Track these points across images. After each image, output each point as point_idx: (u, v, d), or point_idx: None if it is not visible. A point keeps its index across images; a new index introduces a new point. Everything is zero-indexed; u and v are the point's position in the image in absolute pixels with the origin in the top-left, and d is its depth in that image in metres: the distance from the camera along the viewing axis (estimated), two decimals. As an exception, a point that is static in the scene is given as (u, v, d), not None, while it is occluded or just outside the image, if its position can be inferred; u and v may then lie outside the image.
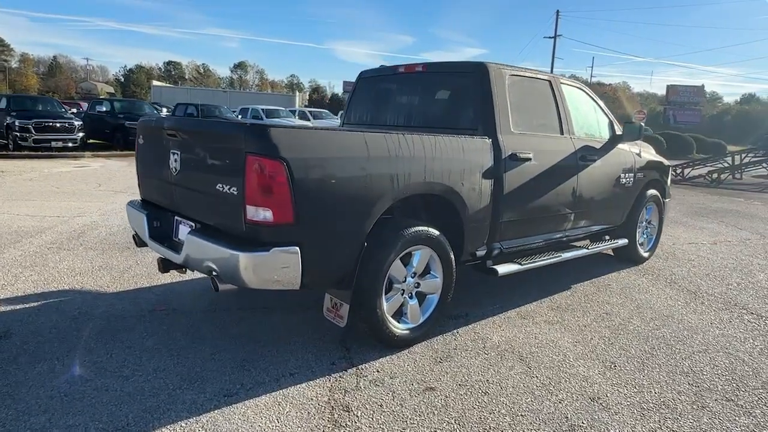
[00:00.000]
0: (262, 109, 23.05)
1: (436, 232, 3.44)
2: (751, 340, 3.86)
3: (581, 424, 2.70)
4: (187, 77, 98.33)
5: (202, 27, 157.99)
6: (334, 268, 3.06)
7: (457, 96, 4.17)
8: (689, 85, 45.44)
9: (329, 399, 2.84)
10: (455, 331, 3.79)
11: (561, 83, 4.65)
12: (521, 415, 2.76)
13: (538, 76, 4.42)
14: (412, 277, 3.46)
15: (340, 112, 11.10)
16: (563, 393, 2.99)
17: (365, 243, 3.12)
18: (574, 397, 2.95)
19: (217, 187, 2.90)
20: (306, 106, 54.02)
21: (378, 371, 3.16)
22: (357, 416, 2.69)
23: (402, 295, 3.42)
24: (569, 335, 3.80)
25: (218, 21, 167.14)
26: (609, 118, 5.18)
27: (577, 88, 4.92)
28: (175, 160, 3.25)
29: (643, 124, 4.91)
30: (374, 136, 3.10)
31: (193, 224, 3.26)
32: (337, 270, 3.08)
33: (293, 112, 25.27)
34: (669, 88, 44.84)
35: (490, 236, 3.94)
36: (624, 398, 2.97)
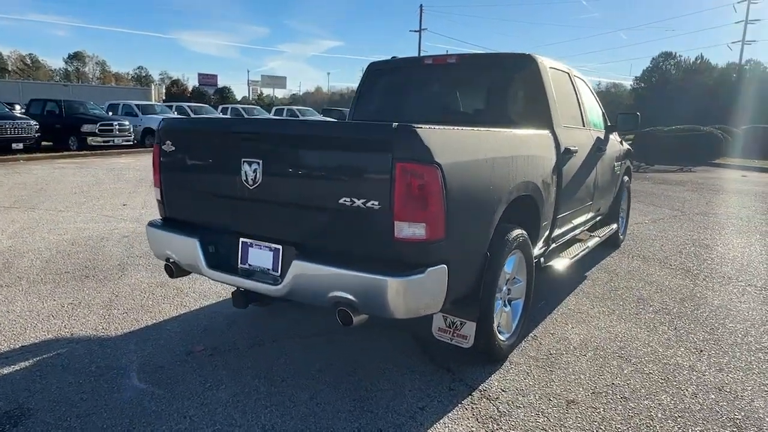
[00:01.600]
0: (136, 105, 20.85)
1: (526, 235, 3.26)
2: (772, 310, 4.23)
3: (746, 417, 2.71)
4: (10, 69, 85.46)
5: (21, 12, 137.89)
6: (465, 284, 2.74)
7: (505, 89, 3.99)
8: None
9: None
10: (533, 334, 3.64)
11: (575, 75, 4.69)
12: (678, 416, 2.69)
13: (561, 68, 4.40)
14: (506, 284, 3.24)
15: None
16: (691, 386, 2.99)
17: (488, 253, 2.84)
18: (704, 390, 2.96)
19: (343, 201, 2.42)
20: (165, 101, 49.95)
21: (503, 390, 2.90)
22: (531, 446, 2.43)
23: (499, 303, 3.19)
24: (634, 326, 3.85)
25: (41, 5, 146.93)
26: (602, 108, 5.35)
27: (581, 79, 5.01)
28: (254, 171, 2.66)
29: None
30: (502, 134, 2.82)
31: (281, 246, 2.72)
32: (467, 285, 2.76)
33: (170, 107, 23.22)
34: None
35: (549, 232, 3.85)
36: (742, 383, 3.04)
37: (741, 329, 3.81)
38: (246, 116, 25.63)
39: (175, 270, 3.08)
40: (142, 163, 14.40)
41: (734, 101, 44.99)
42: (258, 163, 2.65)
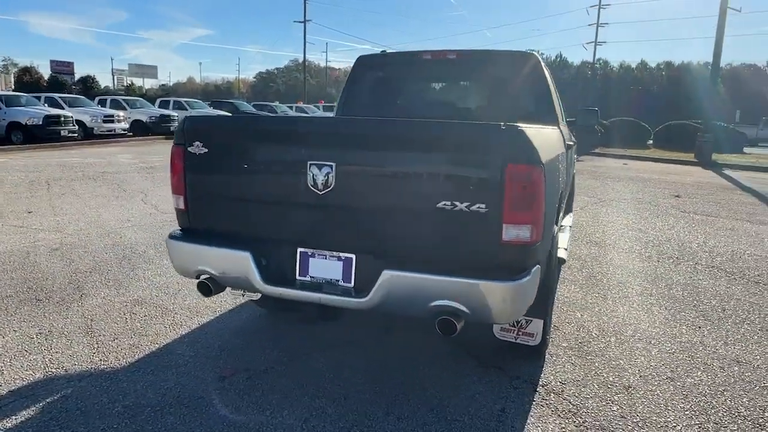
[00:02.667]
0: (4, 96, 18.24)
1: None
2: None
3: None
4: None
5: None
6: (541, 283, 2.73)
7: (512, 86, 4.04)
8: None
9: (575, 427, 2.56)
10: (552, 324, 3.76)
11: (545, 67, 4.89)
12: (723, 389, 2.93)
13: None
14: (544, 278, 3.31)
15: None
16: (715, 361, 3.26)
17: (551, 250, 2.87)
18: (726, 363, 3.25)
19: (442, 205, 2.29)
20: (14, 91, 44.05)
21: (563, 383, 2.96)
22: (623, 436, 2.51)
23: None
24: (632, 309, 4.12)
25: None
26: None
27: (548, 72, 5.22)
28: (325, 174, 2.43)
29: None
30: (556, 132, 2.84)
31: (354, 255, 2.52)
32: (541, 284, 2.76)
33: (38, 98, 20.59)
34: None
35: (557, 224, 3.99)
36: (750, 354, 3.39)
37: (717, 304, 4.25)
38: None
39: (213, 287, 2.73)
40: (22, 162, 12.63)
41: (590, 96, 49.95)
42: (330, 167, 2.42)
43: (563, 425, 2.56)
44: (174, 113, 23.31)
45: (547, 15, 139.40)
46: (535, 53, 3.91)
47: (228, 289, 2.79)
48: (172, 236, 2.84)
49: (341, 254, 2.55)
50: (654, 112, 31.91)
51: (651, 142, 24.72)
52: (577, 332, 3.64)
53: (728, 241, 6.43)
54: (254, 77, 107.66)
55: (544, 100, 3.85)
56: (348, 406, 2.67)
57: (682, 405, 2.76)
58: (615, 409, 2.72)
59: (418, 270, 2.32)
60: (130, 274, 4.60)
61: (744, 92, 47.56)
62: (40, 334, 3.40)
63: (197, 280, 2.80)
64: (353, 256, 2.53)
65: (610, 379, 3.02)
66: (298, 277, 2.63)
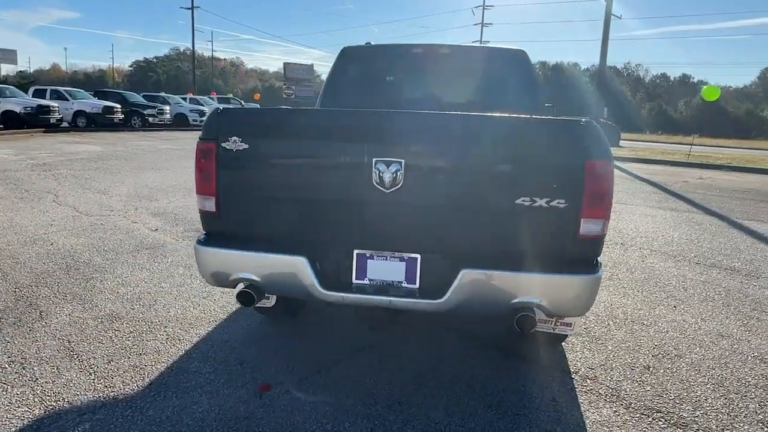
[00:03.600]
0: None
1: None
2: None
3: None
4: None
5: None
6: None
7: (500, 81, 4.10)
8: (301, 64, 46.44)
9: (626, 410, 2.69)
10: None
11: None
12: (726, 362, 3.23)
13: None
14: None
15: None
16: (706, 336, 3.58)
17: None
18: (715, 338, 3.58)
19: (520, 201, 2.27)
20: None
21: (590, 368, 3.09)
22: (689, 412, 2.67)
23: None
24: (618, 296, 4.40)
25: None
26: None
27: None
28: (393, 172, 2.31)
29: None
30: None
31: (419, 255, 2.43)
32: None
33: None
34: (285, 65, 44.46)
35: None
36: (734, 328, 3.76)
37: (679, 285, 4.67)
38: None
39: (256, 296, 2.49)
40: None
41: None
42: (399, 163, 2.30)
43: (616, 409, 2.67)
44: (54, 103, 20.96)
45: (434, 13, 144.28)
46: (525, 51, 4.02)
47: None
48: (201, 243, 2.55)
49: (404, 254, 2.44)
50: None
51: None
52: (584, 320, 3.81)
53: (655, 227, 7.10)
54: (130, 66, 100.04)
55: (535, 96, 3.96)
56: (407, 411, 2.58)
57: (701, 380, 3.00)
58: (649, 389, 2.88)
59: (499, 268, 2.29)
60: (87, 286, 4.07)
61: (608, 91, 52.98)
62: (12, 362, 2.90)
63: (235, 289, 2.56)
64: (418, 256, 2.43)
65: (629, 360, 3.20)
66: (354, 280, 2.48)
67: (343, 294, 2.40)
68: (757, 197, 10.50)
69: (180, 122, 28.09)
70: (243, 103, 37.99)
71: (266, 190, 2.48)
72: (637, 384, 2.93)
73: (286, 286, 2.48)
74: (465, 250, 2.37)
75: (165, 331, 3.35)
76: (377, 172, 2.32)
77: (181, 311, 3.66)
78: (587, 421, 2.57)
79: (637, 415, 2.62)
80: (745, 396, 2.84)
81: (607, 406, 2.70)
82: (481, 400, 2.70)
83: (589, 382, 2.93)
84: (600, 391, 2.84)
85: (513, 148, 2.30)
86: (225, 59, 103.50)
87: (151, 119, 25.77)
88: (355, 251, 2.47)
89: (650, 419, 2.59)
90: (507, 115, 2.36)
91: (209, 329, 3.42)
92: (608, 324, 3.74)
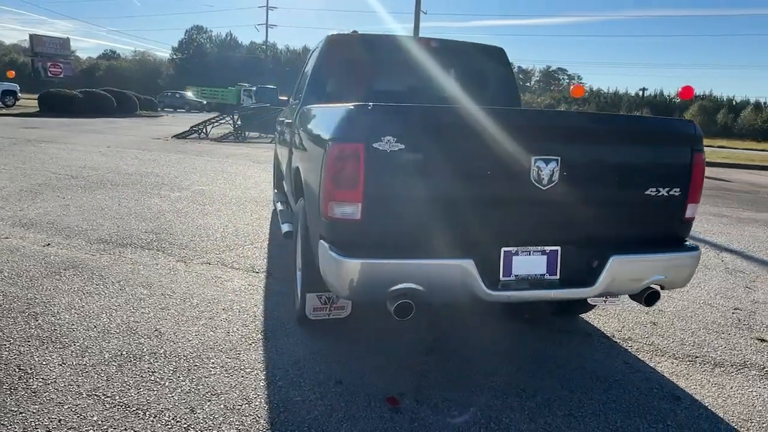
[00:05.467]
0: None
1: None
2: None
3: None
4: None
5: None
6: None
7: (483, 77, 4.33)
8: (55, 37, 40.60)
9: (676, 359, 3.23)
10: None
11: None
12: (717, 329, 4.03)
13: None
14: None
15: None
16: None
17: None
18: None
19: (649, 192, 2.57)
20: None
21: (618, 331, 3.59)
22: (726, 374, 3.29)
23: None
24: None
25: None
26: None
27: None
28: (551, 169, 2.40)
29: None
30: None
31: (559, 248, 2.56)
32: None
33: None
34: (33, 38, 38.58)
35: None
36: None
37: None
38: None
39: (415, 307, 2.34)
40: None
41: (266, 77, 51.97)
42: (556, 161, 2.40)
43: (671, 361, 3.19)
44: None
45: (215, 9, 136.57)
46: (503, 48, 4.31)
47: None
48: (343, 255, 2.28)
49: (546, 248, 2.55)
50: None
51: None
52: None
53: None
54: None
55: (514, 91, 4.31)
56: (534, 400, 2.71)
57: (693, 327, 3.73)
58: (677, 341, 3.48)
59: (637, 252, 2.56)
60: (46, 326, 3.19)
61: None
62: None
63: (387, 302, 2.36)
64: (558, 249, 2.56)
65: (640, 319, 3.79)
66: (501, 278, 2.51)
67: (510, 293, 2.42)
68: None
69: None
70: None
71: (421, 192, 2.33)
72: (664, 339, 3.50)
73: (451, 292, 2.38)
74: (609, 239, 2.58)
75: (218, 361, 2.86)
76: (536, 170, 2.38)
77: (197, 340, 3.14)
78: (665, 372, 3.02)
79: (685, 362, 3.17)
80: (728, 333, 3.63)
81: (662, 359, 3.20)
82: (583, 375, 2.96)
83: (630, 342, 3.41)
84: (645, 347, 3.34)
85: (645, 144, 2.58)
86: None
87: None
88: (503, 249, 2.49)
89: (693, 363, 3.17)
90: (641, 115, 2.61)
91: (260, 352, 3.02)
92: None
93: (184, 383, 2.65)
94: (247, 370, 2.81)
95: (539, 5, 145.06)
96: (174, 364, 2.84)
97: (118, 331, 3.16)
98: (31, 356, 2.82)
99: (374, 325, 3.40)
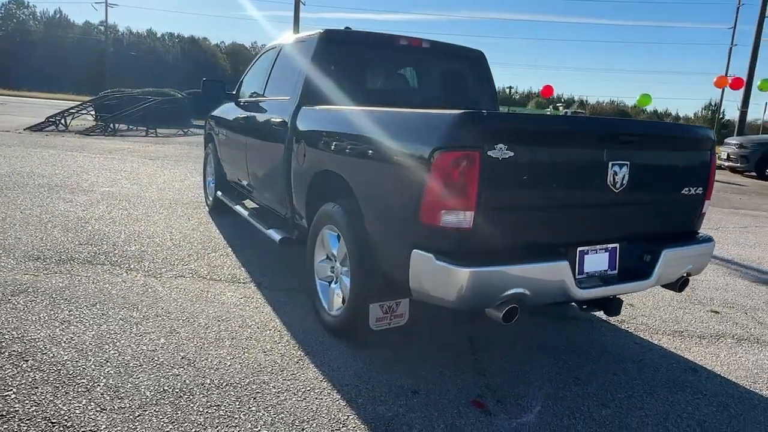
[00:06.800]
0: None
1: None
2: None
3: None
4: None
5: None
6: None
7: (465, 79, 4.44)
8: None
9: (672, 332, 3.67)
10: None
11: None
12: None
13: None
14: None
15: None
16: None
17: None
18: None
19: (684, 191, 2.89)
20: None
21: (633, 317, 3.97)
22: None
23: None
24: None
25: None
26: None
27: None
28: (623, 174, 2.60)
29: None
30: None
31: (617, 245, 2.79)
32: None
33: None
34: None
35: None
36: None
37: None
38: None
39: (520, 311, 2.40)
40: None
41: (106, 62, 47.42)
42: (626, 165, 2.61)
43: (667, 338, 3.61)
44: None
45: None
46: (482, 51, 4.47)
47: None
48: (460, 263, 2.26)
49: (608, 246, 2.76)
50: (171, 82, 29.52)
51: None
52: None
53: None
54: None
55: (494, 94, 4.50)
56: (592, 386, 2.92)
57: (662, 306, 4.25)
58: (659, 320, 3.94)
59: (680, 245, 2.88)
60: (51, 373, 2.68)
61: (237, 66, 55.54)
62: None
63: (492, 309, 2.39)
64: (617, 246, 2.78)
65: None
66: (576, 276, 2.66)
67: (594, 290, 2.57)
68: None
69: None
70: None
71: (525, 198, 2.39)
72: (678, 312, 3.94)
73: (551, 293, 2.47)
74: (659, 235, 2.86)
75: (278, 385, 2.64)
76: (613, 174, 2.56)
77: (249, 359, 2.88)
78: (671, 348, 3.43)
79: (678, 338, 3.63)
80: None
81: (659, 336, 3.62)
82: (613, 359, 3.24)
83: (625, 324, 3.80)
84: (639, 328, 3.74)
85: (685, 148, 2.90)
86: None
87: None
88: (578, 249, 2.64)
89: (684, 338, 3.64)
90: (683, 124, 2.90)
91: (319, 369, 2.85)
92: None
93: (260, 413, 2.42)
94: (316, 391, 2.64)
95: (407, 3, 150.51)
96: (232, 393, 2.56)
97: (138, 363, 2.76)
98: (54, 405, 2.35)
99: (395, 330, 3.38)
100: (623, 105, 63.71)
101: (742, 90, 21.17)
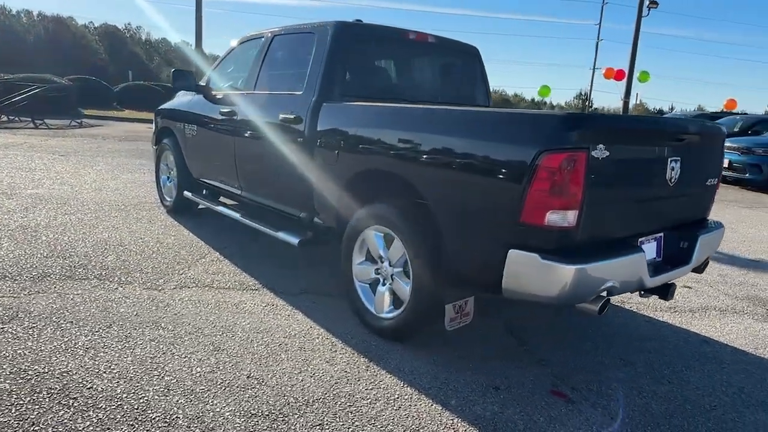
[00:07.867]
0: None
1: None
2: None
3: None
4: None
5: None
6: None
7: (464, 74, 4.49)
8: None
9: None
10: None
11: None
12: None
13: None
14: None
15: None
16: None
17: None
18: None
19: (707, 182, 3.19)
20: None
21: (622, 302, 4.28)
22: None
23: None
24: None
25: None
26: None
27: None
28: (677, 169, 2.82)
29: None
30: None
31: (662, 234, 3.02)
32: None
33: None
34: None
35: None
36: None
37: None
38: None
39: (609, 303, 2.53)
40: None
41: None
42: (677, 161, 2.83)
43: (669, 314, 3.97)
44: None
45: None
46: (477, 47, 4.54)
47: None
48: (563, 261, 2.33)
49: (656, 235, 2.98)
50: (40, 68, 26.01)
51: (116, 103, 24.10)
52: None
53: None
54: None
55: (488, 90, 4.62)
56: (638, 368, 3.15)
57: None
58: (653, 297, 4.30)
59: (710, 231, 3.17)
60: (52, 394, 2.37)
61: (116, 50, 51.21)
62: None
63: (587, 303, 2.49)
64: (662, 235, 3.01)
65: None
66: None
67: (659, 276, 2.77)
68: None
69: None
70: None
71: (617, 195, 2.54)
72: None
73: (632, 283, 2.61)
74: (694, 222, 3.13)
75: (365, 395, 2.55)
76: (670, 170, 2.77)
77: (318, 371, 2.74)
78: (677, 324, 3.78)
79: (677, 314, 4.01)
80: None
81: (662, 314, 3.97)
82: (638, 340, 3.50)
83: (628, 305, 4.11)
84: (641, 308, 4.08)
85: (712, 143, 3.19)
86: None
87: None
88: (640, 239, 2.83)
89: (681, 313, 4.03)
90: (709, 122, 3.19)
91: (392, 373, 2.78)
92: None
93: (367, 428, 2.32)
94: (404, 398, 2.58)
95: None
96: (323, 409, 2.44)
97: (205, 388, 2.52)
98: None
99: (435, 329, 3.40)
100: (504, 94, 67.01)
101: (625, 81, 23.42)
